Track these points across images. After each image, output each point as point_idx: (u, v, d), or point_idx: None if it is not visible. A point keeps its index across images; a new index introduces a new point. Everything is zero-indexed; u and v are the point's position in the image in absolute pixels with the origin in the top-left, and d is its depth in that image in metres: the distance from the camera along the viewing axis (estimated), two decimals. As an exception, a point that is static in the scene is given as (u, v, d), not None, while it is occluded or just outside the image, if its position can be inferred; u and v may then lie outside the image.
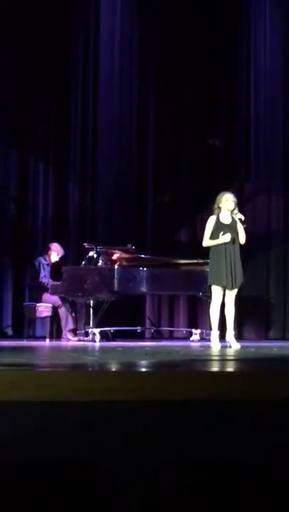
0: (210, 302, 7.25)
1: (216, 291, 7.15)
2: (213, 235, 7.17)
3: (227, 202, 7.21)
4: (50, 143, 10.01)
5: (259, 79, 10.41)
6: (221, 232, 7.10)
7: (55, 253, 9.12)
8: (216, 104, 10.40)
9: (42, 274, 9.05)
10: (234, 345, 7.01)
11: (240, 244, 7.21)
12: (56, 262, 9.13)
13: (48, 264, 9.16)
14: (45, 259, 9.15)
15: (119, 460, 2.47)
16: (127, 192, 10.15)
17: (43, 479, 1.70)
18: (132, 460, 2.51)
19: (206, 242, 7.25)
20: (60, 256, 9.16)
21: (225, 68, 10.41)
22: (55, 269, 9.08)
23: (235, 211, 7.21)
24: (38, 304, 8.92)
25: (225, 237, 7.09)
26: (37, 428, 2.60)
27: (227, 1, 10.45)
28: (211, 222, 7.23)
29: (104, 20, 10.16)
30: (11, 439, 2.56)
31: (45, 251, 9.25)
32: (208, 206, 7.63)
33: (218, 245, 7.13)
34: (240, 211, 7.31)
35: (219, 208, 7.23)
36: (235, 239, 7.15)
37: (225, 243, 7.11)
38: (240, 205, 7.52)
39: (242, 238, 7.17)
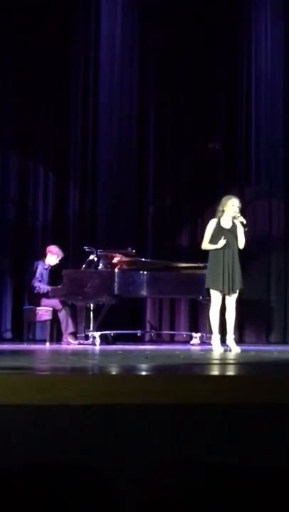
0: (210, 306, 7.24)
1: (215, 294, 7.14)
2: (213, 239, 7.16)
3: (233, 207, 7.17)
4: (50, 145, 10.00)
5: (260, 81, 10.39)
6: (222, 237, 7.09)
7: (55, 256, 9.07)
8: (216, 107, 10.38)
9: (37, 278, 8.98)
10: (234, 349, 7.00)
11: (239, 249, 7.20)
12: (56, 265, 9.09)
13: (46, 269, 9.11)
14: (44, 263, 9.09)
15: (119, 463, 2.47)
16: (127, 195, 10.15)
17: (43, 482, 1.70)
18: (132, 463, 2.51)
19: (205, 245, 7.25)
20: (60, 258, 9.10)
21: (225, 71, 10.40)
22: (55, 272, 9.05)
23: (238, 215, 7.19)
24: (38, 308, 8.90)
25: (219, 243, 7.08)
26: (37, 431, 2.60)
27: (228, 2, 10.44)
28: (211, 226, 7.22)
29: (105, 20, 10.14)
30: (11, 442, 2.56)
31: (44, 254, 9.17)
32: (209, 210, 7.63)
33: (217, 249, 7.13)
34: (241, 215, 7.29)
35: (222, 212, 7.21)
36: (234, 244, 7.13)
37: (223, 247, 7.10)
38: (241, 210, 7.50)
39: (241, 243, 7.14)
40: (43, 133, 9.91)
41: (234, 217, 7.17)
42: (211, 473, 1.66)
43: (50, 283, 9.02)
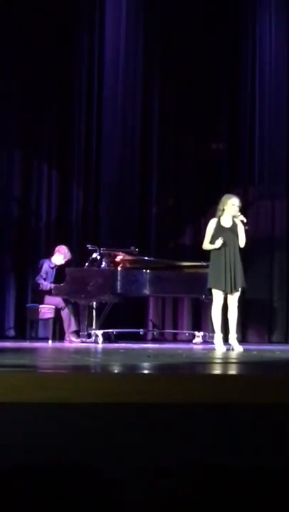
0: (212, 305, 7.24)
1: (217, 294, 7.14)
2: (214, 239, 7.15)
3: (233, 207, 7.16)
4: (53, 145, 10.00)
5: (264, 81, 10.38)
6: (220, 238, 7.07)
7: (62, 256, 9.08)
8: (219, 107, 10.38)
9: (41, 276, 8.99)
10: (237, 348, 7.00)
11: (240, 248, 7.19)
12: (61, 265, 9.09)
13: (52, 268, 9.12)
14: (51, 262, 9.11)
15: (120, 462, 2.47)
16: (130, 194, 10.15)
17: (43, 481, 1.71)
18: (134, 462, 2.51)
19: (205, 245, 7.25)
20: (66, 259, 9.10)
21: (229, 71, 10.39)
22: (61, 271, 9.06)
23: (238, 214, 7.18)
24: (40, 306, 8.92)
25: (217, 243, 7.07)
26: (38, 430, 2.60)
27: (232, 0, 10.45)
28: (211, 225, 7.21)
29: (109, 19, 10.14)
30: (13, 440, 2.57)
31: (52, 253, 9.19)
32: (212, 209, 7.62)
33: (218, 249, 7.12)
34: (244, 215, 7.28)
35: (222, 211, 7.20)
36: (235, 242, 7.12)
37: (225, 246, 7.08)
38: (244, 210, 7.49)
39: (242, 241, 7.13)
40: (45, 132, 9.92)
41: (234, 216, 7.17)
42: (212, 474, 1.66)
43: (56, 282, 9.03)
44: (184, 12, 10.16)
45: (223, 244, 7.08)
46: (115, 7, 10.17)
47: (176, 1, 10.20)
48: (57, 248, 9.14)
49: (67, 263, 9.11)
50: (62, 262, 9.08)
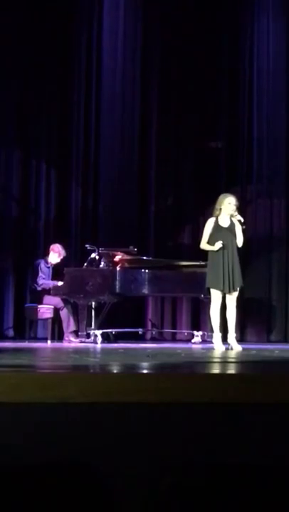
0: (211, 304, 7.24)
1: (215, 293, 7.14)
2: (212, 238, 7.15)
3: (229, 205, 7.17)
4: (53, 144, 10.01)
5: (262, 80, 10.38)
6: (220, 241, 7.06)
7: (56, 254, 9.09)
8: (218, 106, 10.38)
9: (41, 276, 9.00)
10: (235, 348, 7.01)
11: (238, 247, 7.19)
12: (57, 264, 9.11)
13: (48, 267, 9.12)
14: (46, 262, 9.11)
15: (119, 462, 2.47)
16: (129, 193, 10.15)
17: (43, 481, 1.70)
18: (132, 462, 2.51)
19: (203, 245, 7.25)
20: (61, 257, 9.12)
21: (227, 70, 10.39)
22: (57, 270, 9.06)
23: (235, 213, 7.18)
24: (39, 306, 8.91)
25: (216, 245, 7.06)
26: (38, 429, 2.60)
27: (230, 0, 10.44)
28: (209, 225, 7.21)
29: (107, 17, 10.15)
30: (13, 440, 2.56)
31: (47, 252, 9.21)
32: (210, 208, 7.62)
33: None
34: (243, 214, 7.28)
35: (220, 210, 7.20)
36: (233, 242, 7.12)
37: (222, 246, 7.08)
38: (243, 208, 7.49)
39: (239, 241, 7.14)
40: (45, 132, 9.92)
41: (231, 216, 7.17)
42: (212, 473, 1.66)
43: (53, 281, 9.03)
44: (184, 11, 10.16)
45: (219, 248, 7.08)
46: (114, 7, 10.17)
47: (175, 1, 10.20)
48: (51, 247, 9.15)
49: (63, 261, 9.12)
50: (58, 260, 9.10)
